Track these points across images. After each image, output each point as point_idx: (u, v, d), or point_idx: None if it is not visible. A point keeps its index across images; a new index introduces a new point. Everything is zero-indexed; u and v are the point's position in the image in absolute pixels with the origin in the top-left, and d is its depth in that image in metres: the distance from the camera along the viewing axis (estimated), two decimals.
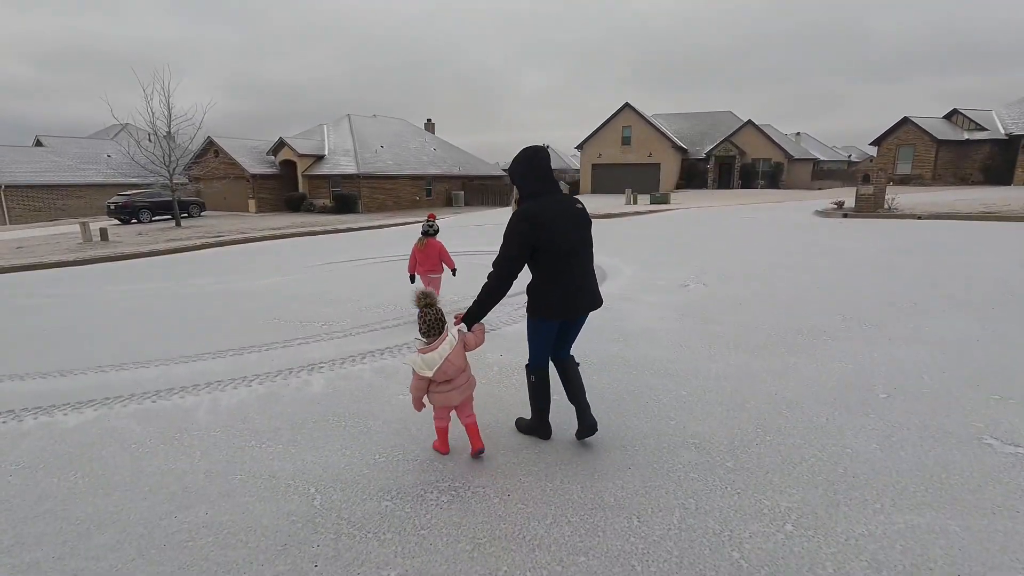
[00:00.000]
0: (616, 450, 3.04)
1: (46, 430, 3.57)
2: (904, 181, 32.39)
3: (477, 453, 3.01)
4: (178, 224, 22.35)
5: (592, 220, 2.98)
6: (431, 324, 2.89)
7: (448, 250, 5.87)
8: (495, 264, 2.82)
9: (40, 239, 18.11)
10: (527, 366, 3.09)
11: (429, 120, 41.39)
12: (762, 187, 36.51)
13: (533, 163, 2.81)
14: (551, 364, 3.14)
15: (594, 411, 3.21)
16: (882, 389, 3.72)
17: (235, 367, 4.68)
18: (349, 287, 8.15)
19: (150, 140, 22.65)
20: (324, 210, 29.78)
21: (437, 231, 5.83)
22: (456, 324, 2.93)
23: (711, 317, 5.64)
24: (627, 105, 37.93)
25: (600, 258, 9.83)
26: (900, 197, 18.06)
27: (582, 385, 3.10)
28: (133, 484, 2.88)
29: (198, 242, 15.64)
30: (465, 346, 2.93)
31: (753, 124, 37.59)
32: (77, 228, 19.57)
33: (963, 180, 32.32)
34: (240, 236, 17.04)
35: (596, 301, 2.98)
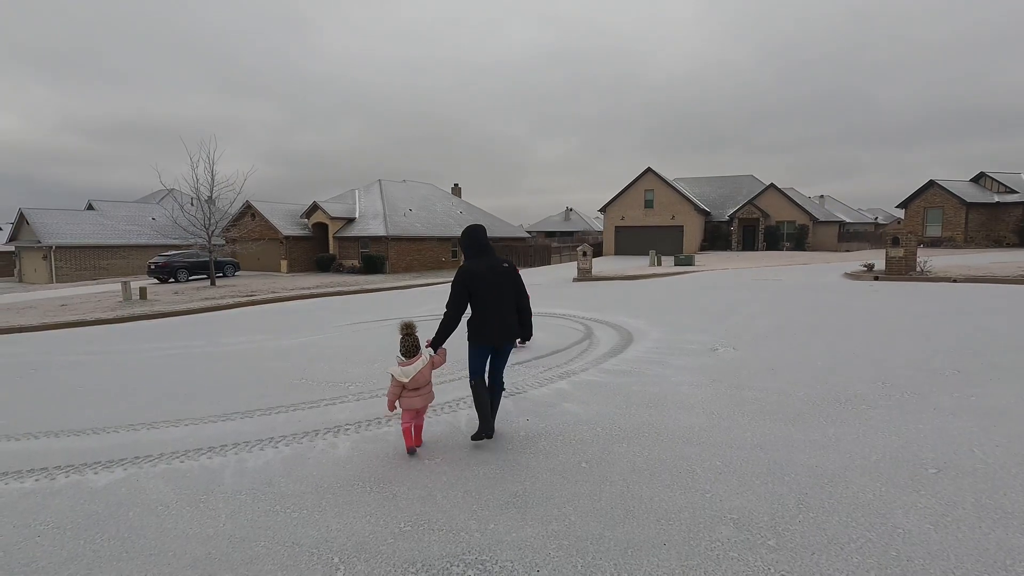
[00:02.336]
0: (650, 524, 2.91)
1: (76, 489, 3.59)
2: (935, 243, 31.87)
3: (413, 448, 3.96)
4: (213, 283, 23.13)
5: (521, 274, 4.15)
6: (408, 347, 3.93)
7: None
8: (446, 305, 3.87)
9: (83, 297, 18.88)
10: (469, 378, 4.04)
11: (456, 185, 42.90)
12: (787, 249, 36.31)
13: (471, 237, 4.04)
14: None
15: (625, 481, 3.45)
16: (931, 463, 3.52)
17: (262, 427, 4.70)
18: (376, 347, 8.22)
19: (192, 204, 23.92)
20: (353, 270, 30.56)
21: None
22: (427, 347, 3.96)
23: (743, 383, 5.49)
24: (649, 169, 38.78)
25: (625, 320, 9.80)
26: (932, 259, 17.74)
27: (497, 405, 4.21)
28: (158, 548, 2.85)
29: (231, 301, 16.09)
30: (433, 364, 3.98)
31: (776, 187, 37.90)
32: (118, 287, 20.41)
33: (997, 243, 31.67)
34: (271, 296, 17.50)
35: (514, 334, 4.05)
